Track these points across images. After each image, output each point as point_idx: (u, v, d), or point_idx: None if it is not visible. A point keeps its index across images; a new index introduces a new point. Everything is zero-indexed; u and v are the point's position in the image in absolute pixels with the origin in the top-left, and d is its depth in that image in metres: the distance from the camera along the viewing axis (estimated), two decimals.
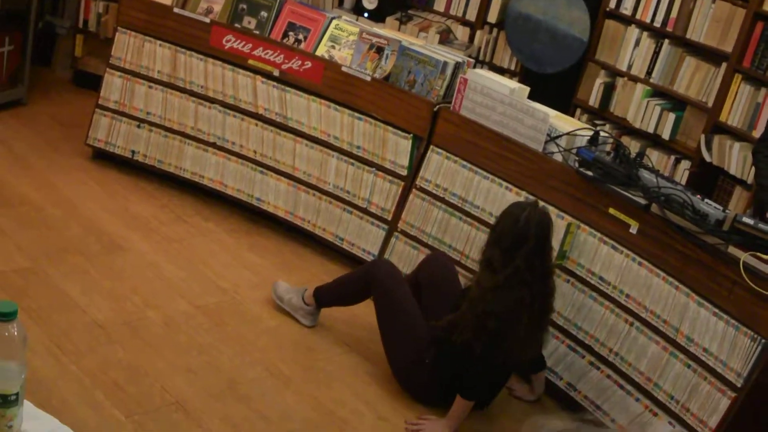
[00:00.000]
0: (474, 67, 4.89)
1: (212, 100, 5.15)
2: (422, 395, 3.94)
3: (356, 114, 4.80)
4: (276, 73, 4.96)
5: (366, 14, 6.58)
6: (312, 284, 4.36)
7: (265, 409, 3.67)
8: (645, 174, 3.90)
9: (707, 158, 5.43)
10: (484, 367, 3.71)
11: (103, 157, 5.47)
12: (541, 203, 3.83)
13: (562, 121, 4.37)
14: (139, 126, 5.33)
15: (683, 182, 5.12)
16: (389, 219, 4.76)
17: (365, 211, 4.83)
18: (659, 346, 3.80)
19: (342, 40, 4.94)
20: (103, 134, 5.40)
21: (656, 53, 5.73)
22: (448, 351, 3.78)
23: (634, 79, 5.84)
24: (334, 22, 5.00)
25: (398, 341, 3.96)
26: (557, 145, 4.23)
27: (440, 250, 4.50)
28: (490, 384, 3.86)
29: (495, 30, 6.39)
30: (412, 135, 4.67)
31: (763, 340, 3.48)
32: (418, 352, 3.87)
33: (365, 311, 4.44)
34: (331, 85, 4.85)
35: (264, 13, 5.08)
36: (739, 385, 3.53)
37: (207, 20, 5.09)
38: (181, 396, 3.62)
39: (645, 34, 5.80)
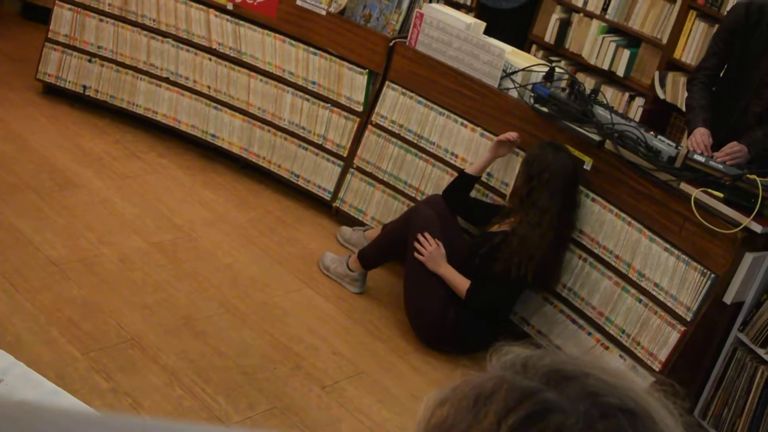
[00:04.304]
0: (430, 1, 4.85)
1: (165, 34, 5.07)
2: (435, 343, 3.99)
3: (311, 49, 4.76)
4: (229, 6, 4.89)
5: None
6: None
7: (222, 344, 3.68)
8: (599, 110, 3.92)
9: (661, 95, 5.46)
10: (504, 285, 3.86)
11: (54, 93, 5.38)
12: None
13: (517, 57, 4.36)
14: (90, 60, 5.24)
15: (637, 119, 5.16)
16: (345, 155, 4.75)
17: (321, 147, 4.81)
18: (611, 281, 3.86)
19: None
20: (54, 69, 5.31)
21: None
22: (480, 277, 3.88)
23: (590, 15, 5.84)
24: None
25: (424, 291, 3.98)
26: (513, 81, 4.23)
27: (421, 204, 4.23)
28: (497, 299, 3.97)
29: None
30: (367, 70, 4.64)
31: (712, 275, 3.55)
32: (442, 304, 3.91)
33: (319, 247, 4.47)
34: (285, 19, 4.80)
35: None
36: (688, 319, 3.60)
37: None
38: (136, 332, 3.62)
39: None
